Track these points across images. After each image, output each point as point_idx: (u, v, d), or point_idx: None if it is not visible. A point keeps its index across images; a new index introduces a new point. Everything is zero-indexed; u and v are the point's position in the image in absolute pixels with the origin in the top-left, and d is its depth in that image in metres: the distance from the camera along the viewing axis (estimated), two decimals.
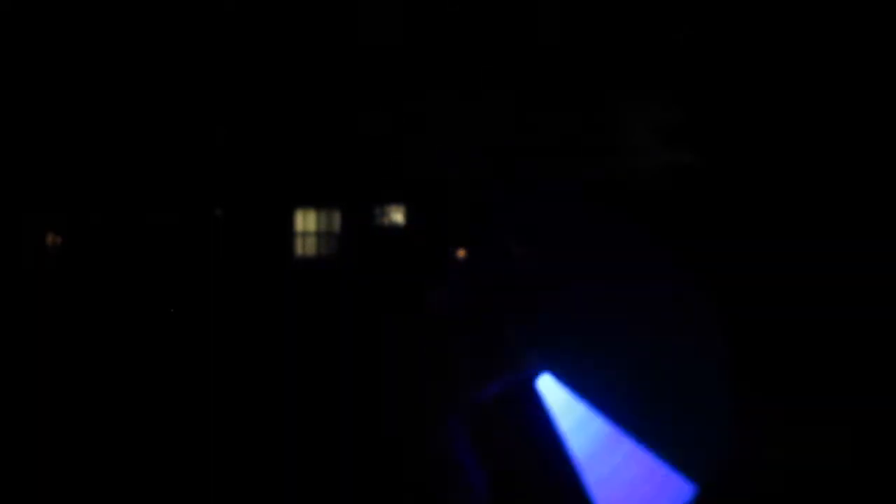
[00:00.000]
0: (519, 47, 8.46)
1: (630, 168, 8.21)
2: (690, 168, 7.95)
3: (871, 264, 6.64)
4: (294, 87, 8.84)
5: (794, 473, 3.35)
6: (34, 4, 7.84)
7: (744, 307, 6.64)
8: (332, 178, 9.39)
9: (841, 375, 5.63)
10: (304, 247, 9.83)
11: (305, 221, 9.86)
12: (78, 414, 5.20)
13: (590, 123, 8.51)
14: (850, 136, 7.15)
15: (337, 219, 9.76)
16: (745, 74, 7.75)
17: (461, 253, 7.33)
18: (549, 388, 2.26)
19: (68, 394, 5.58)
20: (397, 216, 9.65)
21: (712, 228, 7.58)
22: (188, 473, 4.40)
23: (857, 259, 6.74)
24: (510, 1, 8.48)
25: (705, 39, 7.91)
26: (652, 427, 2.40)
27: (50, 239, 8.30)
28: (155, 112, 8.65)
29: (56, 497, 4.13)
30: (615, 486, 2.30)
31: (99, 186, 8.67)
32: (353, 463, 4.37)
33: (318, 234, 9.86)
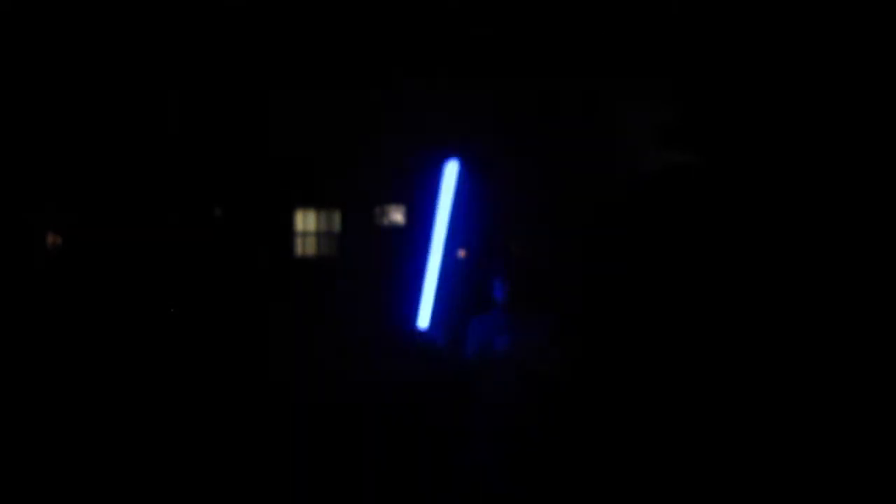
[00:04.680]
0: (518, 47, 8.47)
1: (630, 168, 8.23)
2: (690, 168, 7.97)
3: (869, 263, 6.66)
4: (294, 88, 8.85)
5: None
6: (35, 6, 7.84)
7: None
8: (332, 178, 9.40)
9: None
10: (304, 247, 9.85)
11: (305, 221, 9.87)
12: (79, 414, 5.23)
13: (589, 123, 8.53)
14: (849, 135, 7.17)
15: (337, 219, 9.77)
16: (743, 74, 7.77)
17: (462, 253, 7.36)
18: None
19: (69, 394, 5.60)
20: (397, 216, 9.66)
21: (711, 228, 7.60)
22: (191, 473, 4.42)
23: (855, 258, 6.76)
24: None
25: (704, 39, 7.92)
26: None
27: (50, 239, 8.30)
28: (155, 113, 8.65)
29: (56, 497, 4.15)
30: None
31: (98, 187, 8.67)
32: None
33: (318, 234, 9.87)
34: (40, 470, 4.44)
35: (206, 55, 8.46)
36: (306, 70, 8.78)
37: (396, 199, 9.52)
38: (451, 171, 3.18)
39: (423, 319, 3.20)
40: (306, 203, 9.72)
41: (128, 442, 4.90)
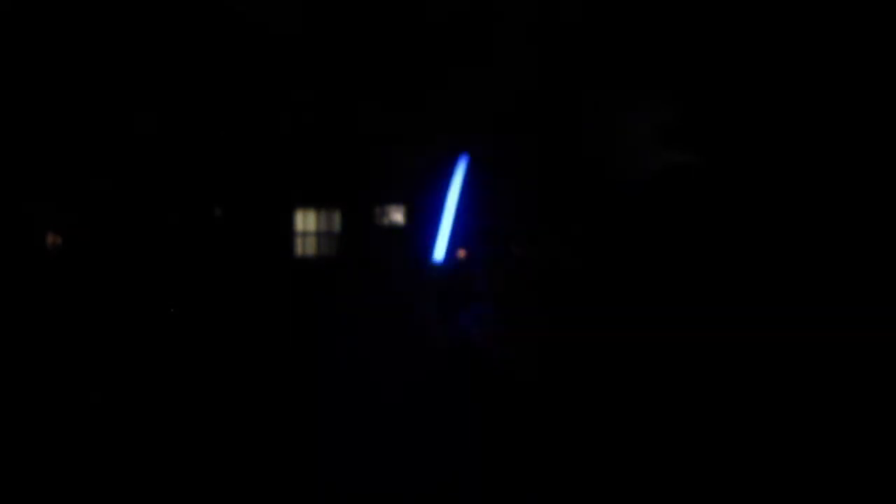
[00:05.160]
0: (518, 47, 8.47)
1: (630, 168, 8.23)
2: (690, 168, 7.97)
3: (868, 263, 6.66)
4: (294, 88, 8.85)
5: None
6: (35, 6, 7.84)
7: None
8: (332, 178, 9.40)
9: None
10: (304, 247, 9.85)
11: (305, 221, 9.87)
12: (80, 412, 5.24)
13: (590, 123, 8.53)
14: (846, 134, 7.17)
15: (337, 219, 9.78)
16: (741, 75, 7.77)
17: (461, 253, 7.38)
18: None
19: (70, 393, 5.61)
20: (397, 216, 9.66)
21: (711, 227, 7.61)
22: (191, 471, 4.43)
23: (855, 258, 6.76)
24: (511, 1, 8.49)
25: (703, 40, 7.92)
26: None
27: (50, 239, 8.31)
28: (155, 113, 8.65)
29: (57, 497, 4.16)
30: None
31: (99, 187, 8.67)
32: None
33: (318, 234, 9.87)
34: (39, 466, 4.44)
35: (207, 56, 8.46)
36: (307, 72, 8.79)
37: (396, 199, 9.52)
38: (462, 166, 3.58)
39: (439, 254, 3.60)
40: (306, 203, 9.71)
41: (127, 440, 4.90)
